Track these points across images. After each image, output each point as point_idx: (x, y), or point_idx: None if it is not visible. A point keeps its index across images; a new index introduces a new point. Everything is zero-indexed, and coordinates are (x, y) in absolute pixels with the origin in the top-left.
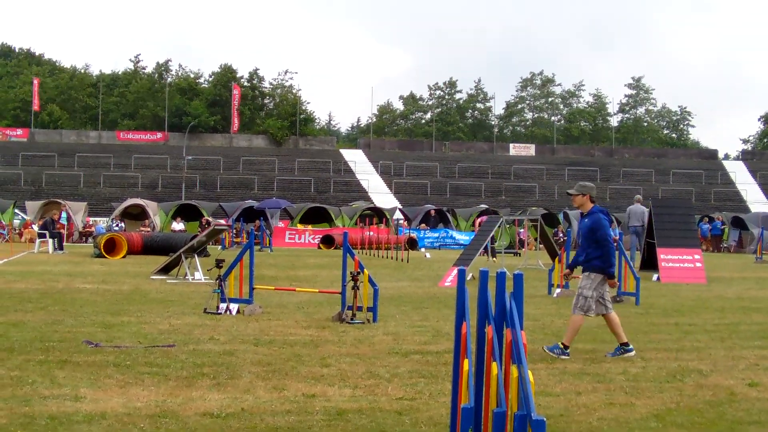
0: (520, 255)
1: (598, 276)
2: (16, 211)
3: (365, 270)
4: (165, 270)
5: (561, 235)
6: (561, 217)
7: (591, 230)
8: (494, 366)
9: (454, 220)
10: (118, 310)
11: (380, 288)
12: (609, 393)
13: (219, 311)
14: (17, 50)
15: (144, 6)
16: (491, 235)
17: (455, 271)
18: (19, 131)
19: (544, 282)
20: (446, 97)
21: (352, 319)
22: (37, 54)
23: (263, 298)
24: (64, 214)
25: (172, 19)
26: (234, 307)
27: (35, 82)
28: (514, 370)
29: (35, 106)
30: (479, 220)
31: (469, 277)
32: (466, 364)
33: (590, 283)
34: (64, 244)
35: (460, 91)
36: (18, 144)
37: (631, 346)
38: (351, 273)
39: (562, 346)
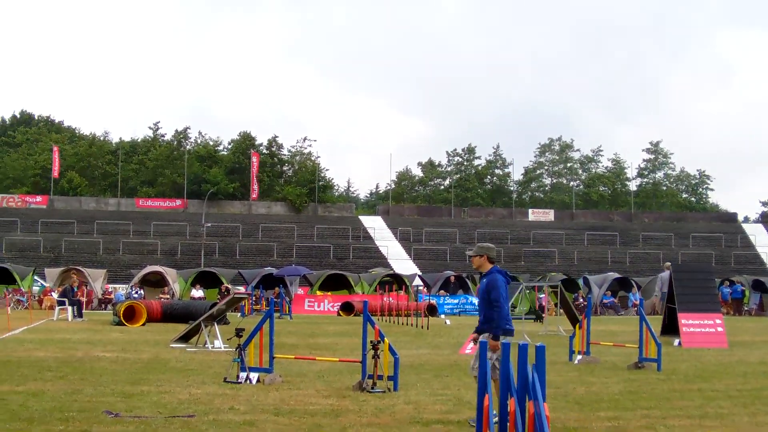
0: (541, 321)
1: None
2: (36, 278)
3: (386, 339)
4: (185, 338)
5: (581, 300)
6: (581, 282)
7: (486, 290)
8: None
9: (473, 286)
10: (137, 379)
11: (400, 356)
12: None
13: (239, 380)
14: (37, 117)
15: (163, 74)
16: (510, 301)
17: None
18: (39, 198)
19: (565, 348)
20: (465, 163)
21: (372, 388)
22: (56, 121)
23: (283, 366)
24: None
25: (191, 87)
26: (254, 376)
27: (55, 149)
28: None
29: (54, 173)
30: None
31: None
32: None
33: None
34: (84, 311)
35: (479, 158)
36: (37, 211)
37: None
38: (371, 342)
39: None
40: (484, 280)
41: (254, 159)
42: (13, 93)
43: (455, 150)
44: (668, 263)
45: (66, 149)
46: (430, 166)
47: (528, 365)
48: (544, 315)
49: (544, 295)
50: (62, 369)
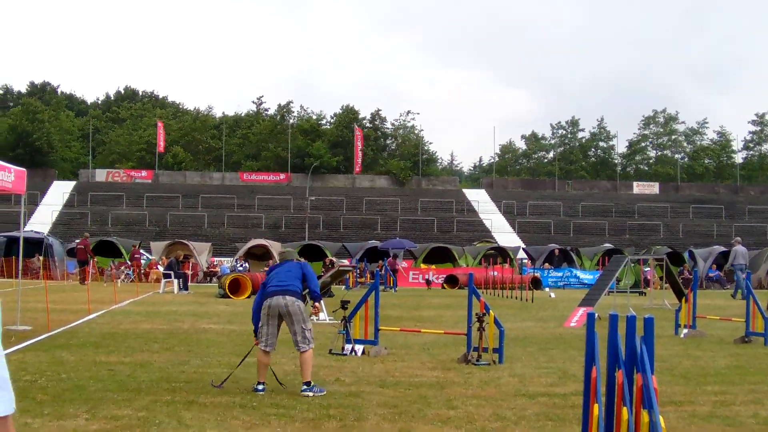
0: (645, 294)
1: None
2: (142, 251)
3: (491, 311)
4: None
5: (687, 273)
6: (687, 255)
7: None
8: (624, 411)
9: (578, 259)
10: (243, 351)
11: (505, 328)
12: None
13: (344, 352)
14: (141, 93)
15: (266, 49)
16: (616, 275)
17: (581, 312)
18: (144, 173)
19: (670, 322)
20: (568, 135)
21: (477, 361)
22: (160, 97)
23: (388, 339)
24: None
25: (293, 62)
26: (359, 348)
27: (159, 124)
28: (644, 416)
29: (159, 148)
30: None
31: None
32: (596, 409)
33: None
34: (189, 284)
35: (583, 130)
36: (143, 185)
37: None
38: (476, 314)
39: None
40: None
41: (357, 133)
42: (117, 69)
43: (559, 123)
44: (738, 238)
45: (170, 124)
46: (533, 139)
47: (636, 337)
48: (649, 288)
49: (649, 269)
50: (168, 341)
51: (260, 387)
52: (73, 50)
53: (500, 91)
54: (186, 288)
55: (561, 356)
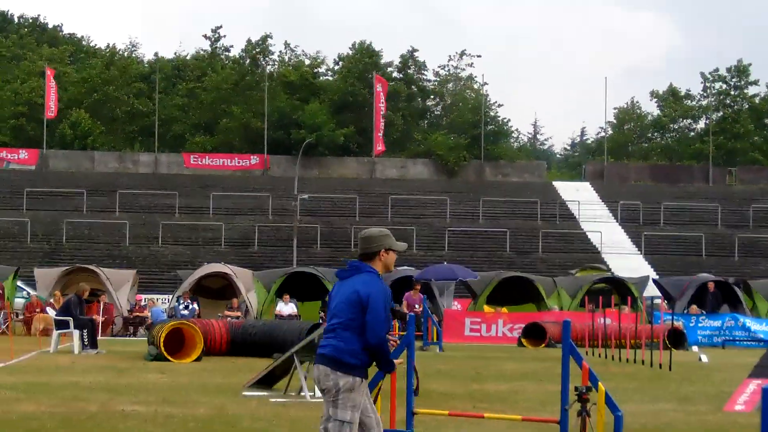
0: None
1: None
2: (20, 284)
3: (600, 384)
4: (267, 381)
5: None
6: None
7: None
8: None
9: (747, 299)
10: None
11: (625, 414)
12: None
13: None
14: (18, 20)
15: None
16: None
17: (752, 387)
18: (24, 153)
19: None
20: (732, 92)
21: None
22: (50, 26)
23: (430, 428)
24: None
25: None
26: None
27: (49, 72)
28: None
29: (49, 112)
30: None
31: None
32: None
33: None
34: (99, 338)
35: (756, 83)
36: (22, 175)
37: None
38: (576, 389)
39: None
40: None
41: (379, 87)
42: None
43: (716, 70)
44: None
45: (67, 73)
46: (671, 98)
47: None
48: None
49: None
50: None
51: None
52: None
53: (616, 18)
54: (94, 345)
55: None
